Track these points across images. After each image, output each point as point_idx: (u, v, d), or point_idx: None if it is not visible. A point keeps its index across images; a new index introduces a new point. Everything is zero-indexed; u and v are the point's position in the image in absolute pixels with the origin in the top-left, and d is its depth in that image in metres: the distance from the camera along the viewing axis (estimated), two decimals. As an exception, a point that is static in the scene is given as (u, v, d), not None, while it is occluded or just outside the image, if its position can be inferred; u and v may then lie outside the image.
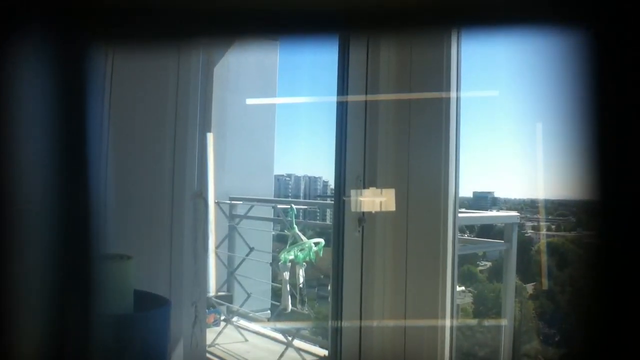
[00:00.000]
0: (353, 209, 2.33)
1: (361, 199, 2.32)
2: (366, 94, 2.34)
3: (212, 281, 3.57)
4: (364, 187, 2.35)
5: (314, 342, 3.31)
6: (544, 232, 3.17)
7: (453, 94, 2.16)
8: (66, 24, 0.55)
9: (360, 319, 2.37)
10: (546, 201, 3.01)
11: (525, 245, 3.18)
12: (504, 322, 2.95)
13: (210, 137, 2.71)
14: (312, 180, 4.40)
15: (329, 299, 2.54)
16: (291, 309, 3.21)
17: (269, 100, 4.13)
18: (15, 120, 0.58)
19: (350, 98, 2.38)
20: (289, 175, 4.41)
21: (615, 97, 0.44)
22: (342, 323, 2.41)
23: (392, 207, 2.26)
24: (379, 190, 2.30)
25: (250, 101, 3.95)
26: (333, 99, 2.47)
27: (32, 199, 0.60)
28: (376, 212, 2.32)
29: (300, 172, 4.41)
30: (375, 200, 2.29)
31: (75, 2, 0.53)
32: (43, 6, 0.53)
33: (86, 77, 0.59)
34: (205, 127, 2.70)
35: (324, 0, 0.46)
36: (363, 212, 2.34)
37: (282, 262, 3.18)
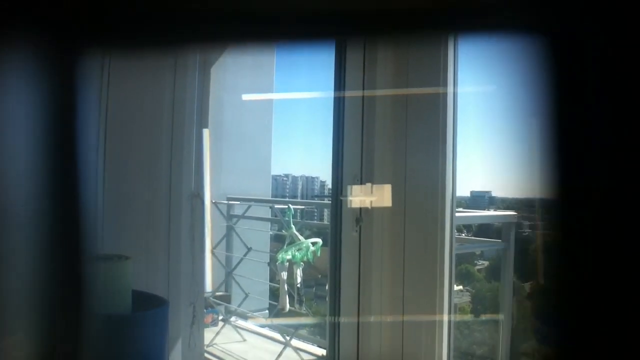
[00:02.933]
0: (349, 205, 2.33)
1: (357, 194, 2.32)
2: (363, 90, 2.35)
3: (209, 281, 3.57)
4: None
5: (312, 342, 3.31)
6: (542, 231, 3.17)
7: (450, 95, 2.17)
8: (63, 26, 0.55)
9: (358, 318, 2.37)
10: (543, 200, 3.01)
11: (523, 245, 3.19)
12: (501, 320, 2.96)
13: (206, 133, 2.68)
14: (309, 180, 4.41)
15: (327, 299, 2.54)
16: (289, 309, 3.21)
17: (266, 96, 4.12)
18: (12, 124, 0.59)
19: (348, 93, 2.39)
20: (287, 175, 4.42)
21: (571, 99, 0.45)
22: (340, 323, 2.42)
23: (388, 203, 2.26)
24: (375, 185, 2.30)
25: (246, 97, 3.93)
26: (330, 97, 2.47)
27: (28, 202, 0.60)
28: (374, 212, 2.32)
29: (297, 172, 4.42)
30: (371, 195, 2.29)
31: (70, 6, 0.53)
32: (38, 13, 0.53)
33: (82, 78, 0.59)
34: (202, 127, 2.70)
35: (320, 6, 0.46)
36: (360, 212, 2.34)
37: (279, 262, 3.18)
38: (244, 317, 3.70)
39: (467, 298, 3.36)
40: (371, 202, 2.29)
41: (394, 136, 2.32)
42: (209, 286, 3.53)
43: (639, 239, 0.47)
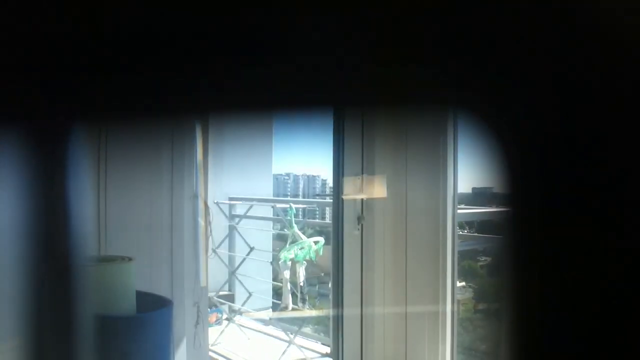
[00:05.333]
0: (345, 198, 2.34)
1: (352, 187, 2.32)
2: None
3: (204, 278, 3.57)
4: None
5: (316, 340, 3.32)
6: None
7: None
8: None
9: (361, 315, 2.38)
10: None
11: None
12: (503, 316, 2.96)
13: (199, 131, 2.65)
14: (310, 179, 4.41)
15: (330, 297, 2.55)
16: (292, 307, 3.22)
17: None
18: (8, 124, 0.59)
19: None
20: (288, 175, 4.42)
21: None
22: (343, 320, 2.43)
23: (383, 194, 2.26)
24: (370, 177, 2.30)
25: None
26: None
27: (20, 205, 0.61)
28: (375, 211, 2.33)
29: (299, 171, 4.42)
30: (367, 187, 2.30)
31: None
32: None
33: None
34: (203, 128, 2.71)
35: (317, 78, 0.47)
36: (362, 211, 2.35)
37: (282, 261, 3.19)
38: (248, 316, 3.71)
39: (469, 294, 3.37)
40: (373, 191, 2.29)
41: (395, 133, 2.32)
42: (203, 282, 3.52)
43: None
